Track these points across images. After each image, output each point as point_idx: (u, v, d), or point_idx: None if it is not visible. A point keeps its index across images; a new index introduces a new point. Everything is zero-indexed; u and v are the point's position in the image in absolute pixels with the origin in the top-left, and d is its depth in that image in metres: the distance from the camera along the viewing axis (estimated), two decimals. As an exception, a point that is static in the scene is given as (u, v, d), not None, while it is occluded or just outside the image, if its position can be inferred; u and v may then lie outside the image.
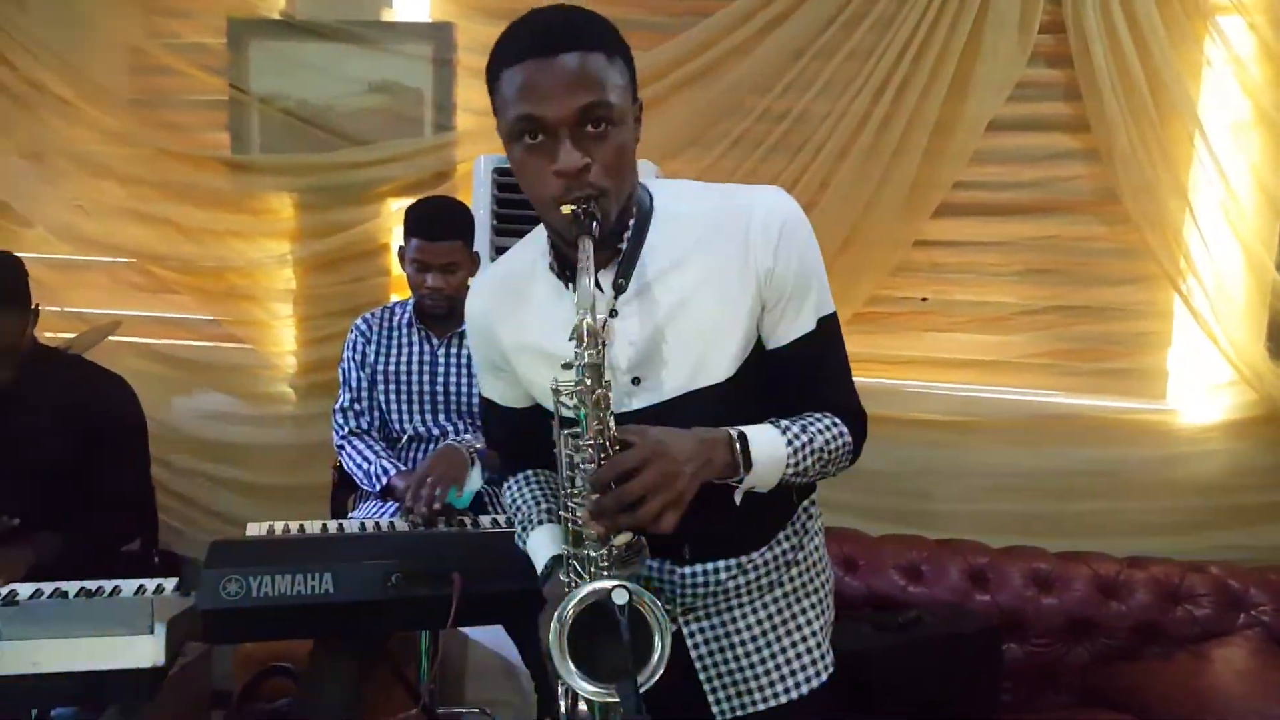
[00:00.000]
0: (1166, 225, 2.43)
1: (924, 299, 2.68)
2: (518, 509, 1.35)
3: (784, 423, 1.16)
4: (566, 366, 1.04)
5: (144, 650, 1.53)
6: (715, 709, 1.26)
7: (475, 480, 1.97)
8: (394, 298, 2.81)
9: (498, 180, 2.51)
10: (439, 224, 2.15)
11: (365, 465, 2.17)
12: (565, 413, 1.08)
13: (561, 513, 1.12)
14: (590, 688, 0.99)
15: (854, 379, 1.26)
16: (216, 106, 2.88)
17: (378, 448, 2.21)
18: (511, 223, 2.51)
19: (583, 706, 1.05)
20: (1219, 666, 2.20)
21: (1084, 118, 2.48)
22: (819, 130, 2.58)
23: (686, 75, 2.55)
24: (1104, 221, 2.55)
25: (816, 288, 1.19)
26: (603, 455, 1.03)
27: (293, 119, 2.79)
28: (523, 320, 1.21)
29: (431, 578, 1.59)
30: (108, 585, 1.74)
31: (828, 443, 1.17)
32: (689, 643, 1.26)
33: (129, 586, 1.74)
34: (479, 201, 2.51)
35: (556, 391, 1.07)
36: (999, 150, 2.56)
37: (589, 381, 1.02)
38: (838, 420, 1.20)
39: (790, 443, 1.14)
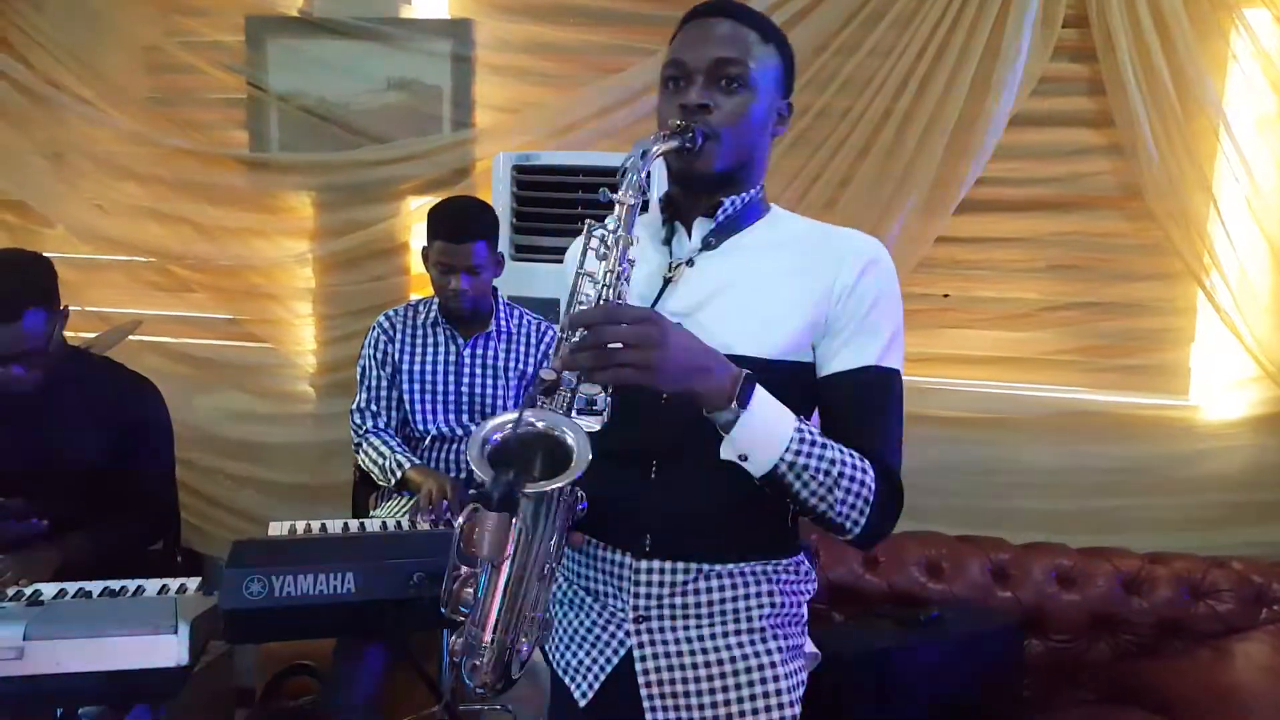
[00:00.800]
0: (1190, 221, 2.41)
1: (946, 295, 2.67)
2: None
3: (806, 420, 1.10)
4: (606, 200, 1.09)
5: (168, 650, 1.52)
6: None
7: None
8: (414, 296, 2.81)
9: (517, 178, 2.51)
10: (464, 225, 2.14)
11: (381, 460, 2.17)
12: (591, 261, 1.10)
13: (549, 361, 1.09)
14: (481, 473, 0.99)
15: None
16: (235, 105, 2.89)
17: (393, 442, 2.21)
18: (531, 220, 2.51)
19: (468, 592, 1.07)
20: (1241, 662, 2.19)
21: (1107, 113, 2.46)
22: (840, 127, 2.57)
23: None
24: (1127, 217, 2.53)
25: (888, 333, 1.16)
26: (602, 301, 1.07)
27: (311, 117, 2.79)
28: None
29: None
30: (131, 585, 1.74)
31: (844, 466, 1.08)
32: (636, 654, 1.18)
33: (152, 586, 1.75)
34: (498, 199, 2.51)
35: (589, 233, 1.09)
36: (1022, 146, 2.54)
37: (623, 230, 1.07)
38: (869, 464, 1.11)
39: (799, 429, 1.06)
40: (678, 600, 1.18)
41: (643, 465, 1.18)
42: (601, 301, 1.06)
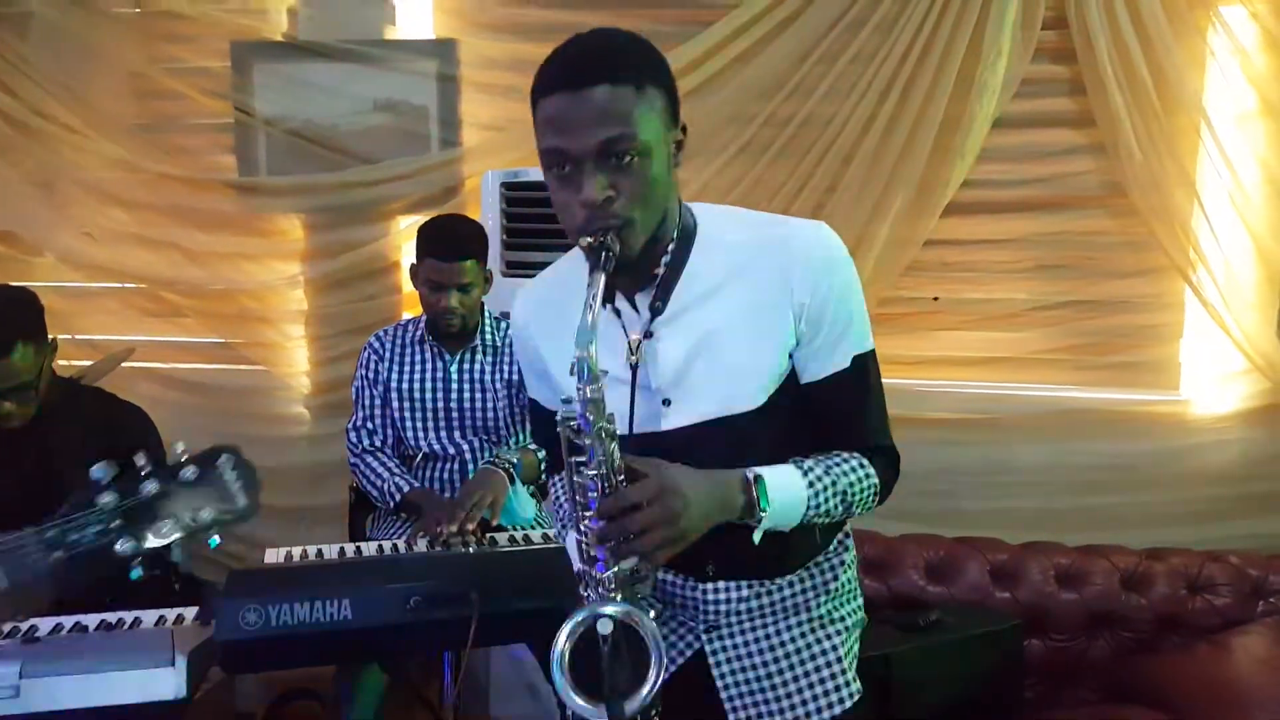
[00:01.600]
0: (1174, 217, 2.43)
1: (935, 298, 2.69)
2: (560, 505, 1.38)
3: (806, 463, 1.16)
4: (566, 402, 1.04)
5: (166, 683, 1.52)
6: None
7: (522, 496, 1.96)
8: (405, 315, 2.82)
9: (506, 195, 2.52)
10: (453, 243, 2.14)
11: (380, 483, 2.18)
12: (575, 439, 1.08)
13: (574, 534, 1.12)
14: (582, 704, 1.03)
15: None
16: (222, 130, 2.90)
17: (391, 464, 2.22)
18: (521, 236, 2.52)
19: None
20: (1239, 655, 2.20)
21: (1089, 113, 2.49)
22: (825, 134, 2.59)
23: (690, 84, 2.56)
24: (1112, 215, 2.56)
25: (856, 326, 1.19)
26: (607, 485, 1.04)
27: (299, 139, 2.80)
28: (563, 333, 1.16)
29: (451, 599, 1.59)
30: (128, 617, 1.74)
31: (851, 485, 1.17)
32: (711, 660, 1.26)
33: (149, 618, 1.74)
34: (488, 216, 2.53)
35: (563, 422, 1.06)
36: (1006, 148, 2.57)
37: (591, 416, 1.02)
38: (865, 462, 1.20)
39: (811, 484, 1.14)
40: (743, 608, 1.26)
41: None
42: (606, 487, 1.04)
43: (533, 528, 1.89)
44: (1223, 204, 2.41)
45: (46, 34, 2.89)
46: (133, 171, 2.92)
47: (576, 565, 1.19)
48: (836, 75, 2.56)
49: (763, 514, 1.11)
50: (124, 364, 2.82)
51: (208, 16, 2.83)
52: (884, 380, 1.24)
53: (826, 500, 1.15)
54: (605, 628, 1.02)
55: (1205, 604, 2.34)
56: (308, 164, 2.81)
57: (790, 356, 1.19)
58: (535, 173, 2.52)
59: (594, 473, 1.04)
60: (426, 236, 2.18)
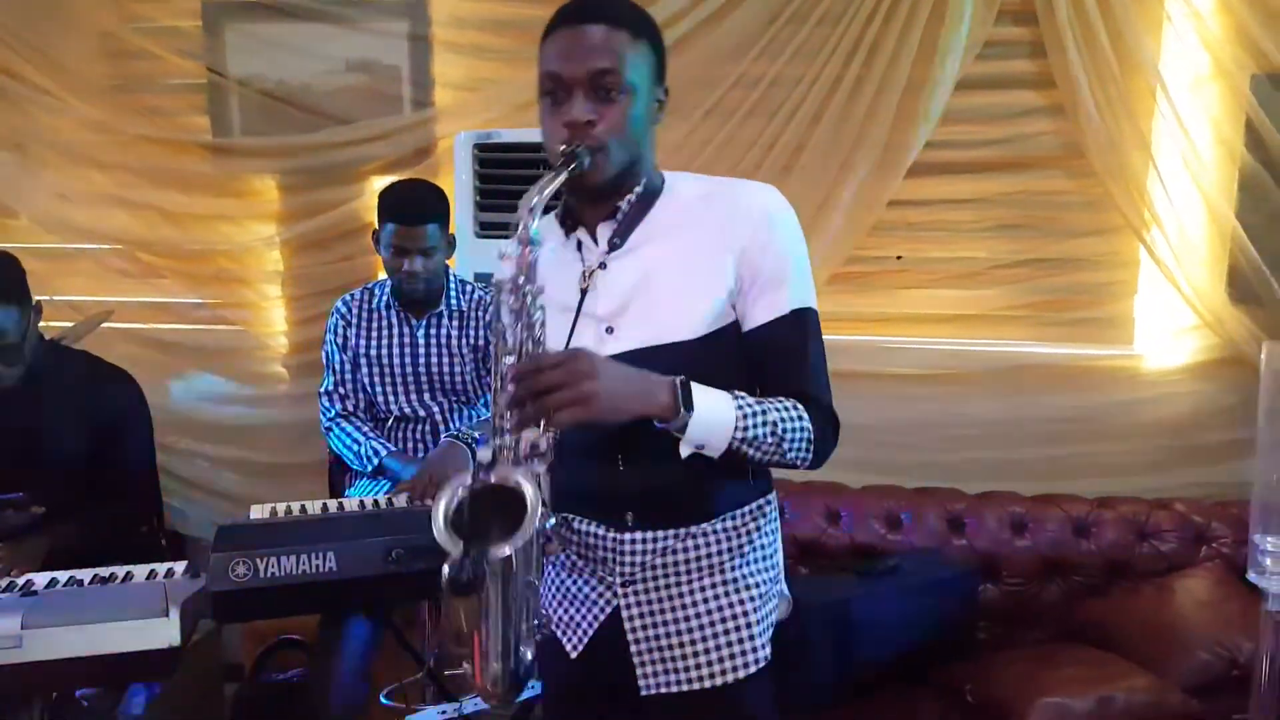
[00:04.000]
0: (1130, 178, 2.49)
1: (899, 257, 2.75)
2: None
3: (737, 391, 1.20)
4: (502, 257, 1.11)
5: (161, 632, 1.60)
6: (641, 682, 1.29)
7: None
8: (381, 275, 2.85)
9: (478, 156, 2.55)
10: (416, 208, 2.15)
11: (355, 447, 2.23)
12: (502, 313, 1.13)
13: (490, 405, 1.17)
14: (446, 537, 1.05)
15: (834, 338, 1.31)
16: (195, 90, 2.90)
17: (365, 428, 2.26)
18: (494, 198, 2.56)
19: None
20: (1182, 597, 2.32)
21: (1049, 74, 2.53)
22: (792, 95, 2.63)
23: (659, 46, 2.58)
24: (1070, 175, 2.62)
25: (795, 280, 1.25)
26: (525, 351, 1.12)
27: (272, 100, 2.81)
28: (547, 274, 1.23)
29: (430, 551, 1.66)
30: (120, 571, 1.81)
31: (782, 419, 1.19)
32: (624, 614, 1.29)
33: (141, 572, 1.81)
34: (460, 177, 2.55)
35: (497, 287, 1.13)
36: (968, 109, 2.61)
37: (522, 280, 1.11)
38: (798, 404, 1.22)
39: (740, 407, 1.17)
40: (659, 562, 1.29)
41: (610, 459, 1.26)
42: (524, 352, 1.11)
43: None
44: (1176, 165, 2.48)
45: (15, -6, 2.87)
46: (107, 133, 2.93)
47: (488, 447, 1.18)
48: (804, 37, 2.59)
49: (687, 416, 1.13)
50: (103, 325, 2.86)
51: (177, -25, 2.82)
52: (849, 338, 1.30)
53: (755, 426, 1.17)
54: (485, 456, 1.07)
55: (1152, 549, 2.46)
56: (281, 125, 2.82)
57: (733, 308, 1.25)
58: (508, 134, 2.56)
59: (513, 338, 1.11)
60: (389, 201, 2.19)
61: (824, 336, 1.28)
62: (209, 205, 2.95)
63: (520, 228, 1.11)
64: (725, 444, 1.17)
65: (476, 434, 2.14)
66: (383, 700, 2.27)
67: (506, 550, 1.05)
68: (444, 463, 2.07)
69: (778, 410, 1.20)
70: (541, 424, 1.08)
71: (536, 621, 1.17)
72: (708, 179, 1.32)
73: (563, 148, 1.16)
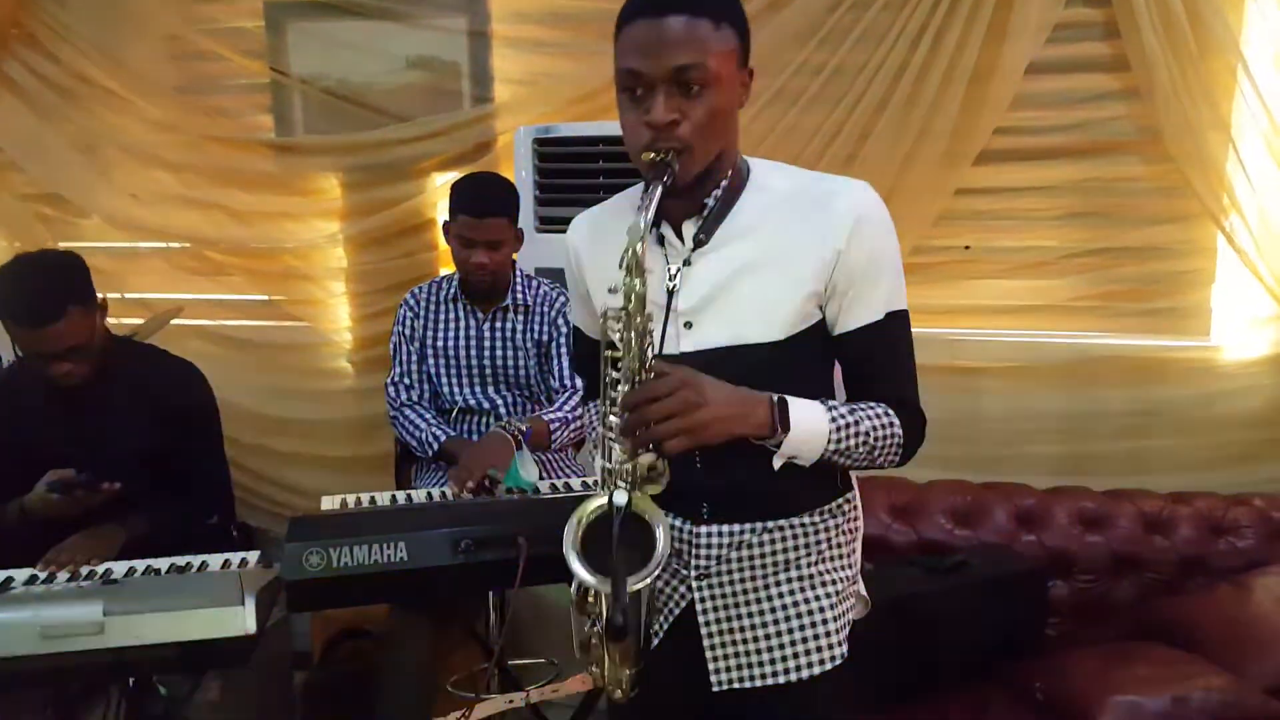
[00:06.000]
0: (1208, 162, 2.41)
1: (967, 247, 2.69)
2: (595, 429, 1.43)
3: (830, 401, 1.20)
4: (613, 291, 1.11)
5: (237, 620, 1.64)
6: (714, 677, 1.28)
7: (528, 461, 2.03)
8: (443, 271, 2.88)
9: (538, 150, 2.55)
10: (486, 201, 2.18)
11: (417, 433, 2.26)
12: (611, 336, 1.15)
13: (599, 427, 1.19)
14: (587, 575, 1.11)
15: None
16: (259, 90, 2.95)
17: (428, 415, 2.30)
18: (554, 192, 2.56)
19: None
20: (1260, 595, 2.24)
21: (1123, 57, 2.45)
22: (857, 81, 2.58)
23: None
24: (1145, 161, 2.53)
25: (888, 283, 1.22)
26: (637, 379, 1.11)
27: (334, 98, 2.85)
28: (607, 258, 1.20)
29: (499, 543, 1.67)
30: (196, 561, 1.86)
31: (875, 428, 1.19)
32: (698, 607, 1.29)
33: (215, 561, 1.86)
34: (520, 172, 2.56)
35: (605, 315, 1.14)
36: (1039, 94, 2.54)
37: (631, 308, 1.10)
38: (889, 410, 1.22)
39: (834, 420, 1.17)
40: (734, 555, 1.28)
41: (686, 457, 1.23)
42: (635, 374, 1.11)
43: (536, 492, 1.96)
44: (1258, 148, 2.38)
45: (85, 1, 2.94)
46: (174, 133, 2.99)
47: (600, 467, 1.23)
48: (868, 23, 2.54)
49: (784, 435, 1.14)
50: (173, 321, 2.93)
51: (240, -24, 2.87)
52: (915, 330, 1.28)
53: (848, 438, 1.18)
54: (620, 499, 1.10)
55: (1229, 546, 2.38)
56: (343, 122, 2.86)
57: (821, 309, 1.23)
58: (567, 128, 2.56)
59: (624, 370, 1.12)
60: (459, 194, 2.21)
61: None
62: (274, 203, 3.00)
63: (629, 255, 1.09)
64: (818, 456, 1.18)
65: (524, 426, 2.15)
66: (450, 689, 2.29)
67: (645, 582, 1.10)
68: (486, 454, 2.07)
69: (870, 419, 1.20)
70: (654, 450, 1.10)
71: (657, 627, 1.21)
72: (797, 171, 1.28)
73: (649, 156, 1.14)
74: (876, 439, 1.20)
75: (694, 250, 1.24)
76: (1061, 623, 2.43)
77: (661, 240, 1.26)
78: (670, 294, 1.23)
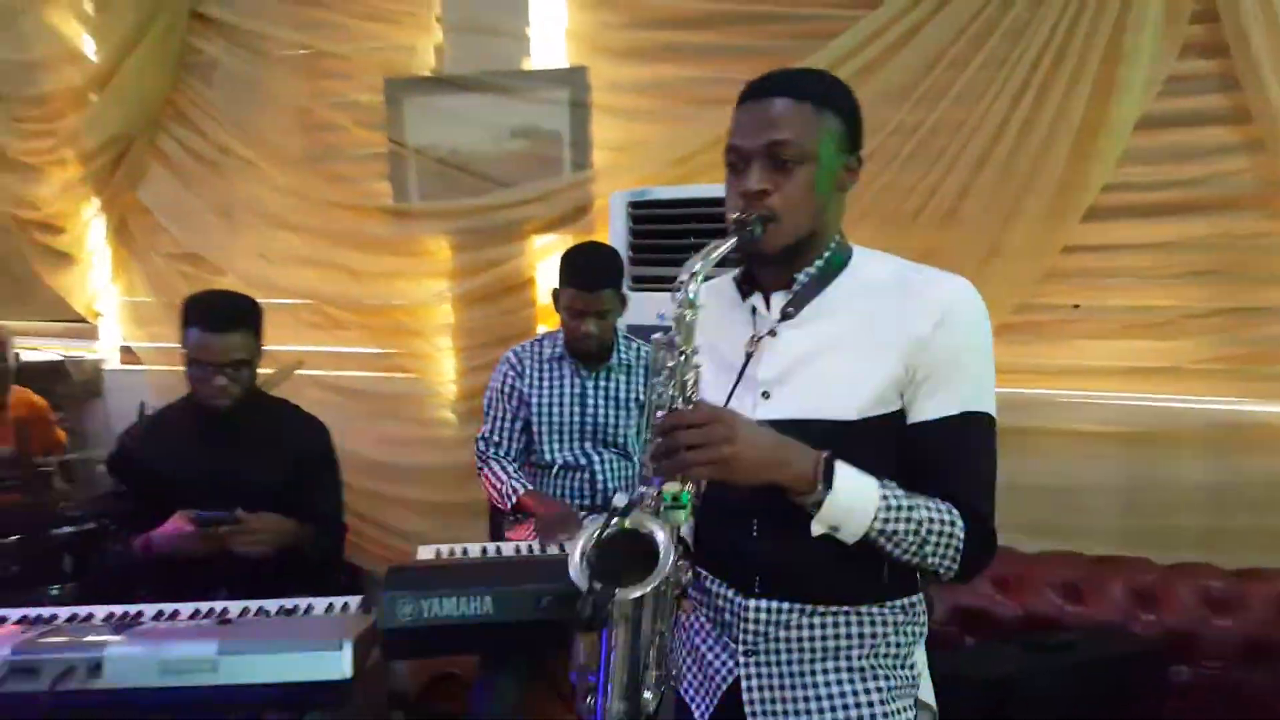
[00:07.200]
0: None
1: (1075, 306, 2.60)
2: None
3: (888, 483, 1.16)
4: (661, 316, 1.17)
5: (335, 664, 1.69)
6: None
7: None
8: (541, 327, 2.97)
9: (632, 213, 2.62)
10: (594, 274, 2.25)
11: (499, 486, 2.33)
12: (658, 366, 1.18)
13: (637, 456, 1.21)
14: (576, 574, 1.12)
15: (1003, 391, 1.24)
16: (378, 159, 3.14)
17: (510, 468, 2.36)
18: (647, 252, 2.61)
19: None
20: None
21: (1243, 109, 2.35)
22: (954, 139, 2.55)
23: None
24: (1271, 216, 2.40)
25: (972, 381, 1.20)
26: (674, 407, 1.14)
27: (446, 167, 3.01)
28: (703, 321, 1.22)
29: (576, 599, 1.69)
30: (303, 604, 1.94)
31: (930, 520, 1.15)
32: (743, 684, 1.25)
33: (320, 605, 1.94)
34: (615, 234, 2.63)
35: (655, 338, 1.17)
36: (1150, 149, 2.46)
37: (679, 337, 1.15)
38: (954, 510, 1.17)
39: (885, 498, 1.14)
40: (781, 634, 1.24)
41: (744, 523, 1.24)
42: (673, 401, 1.14)
43: None
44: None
45: (227, 79, 3.23)
46: (300, 199, 3.21)
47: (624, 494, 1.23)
48: (967, 81, 2.52)
49: (825, 494, 1.12)
50: (295, 372, 3.12)
51: (363, 55, 3.09)
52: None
53: (898, 522, 1.14)
54: (620, 501, 1.12)
55: (1381, 633, 2.18)
56: (453, 189, 3.01)
57: (900, 396, 1.20)
58: (660, 191, 2.62)
59: (666, 394, 1.14)
60: (570, 266, 2.28)
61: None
62: (388, 263, 3.17)
63: (681, 289, 1.14)
64: (862, 532, 1.14)
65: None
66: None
67: (635, 593, 1.08)
68: (553, 526, 2.12)
69: (929, 510, 1.16)
70: (680, 478, 1.11)
71: (662, 672, 1.17)
72: (900, 262, 1.27)
73: (735, 215, 1.19)
74: (930, 533, 1.15)
75: (780, 321, 1.25)
76: (1185, 711, 2.26)
77: (753, 310, 1.28)
78: (747, 357, 1.25)
